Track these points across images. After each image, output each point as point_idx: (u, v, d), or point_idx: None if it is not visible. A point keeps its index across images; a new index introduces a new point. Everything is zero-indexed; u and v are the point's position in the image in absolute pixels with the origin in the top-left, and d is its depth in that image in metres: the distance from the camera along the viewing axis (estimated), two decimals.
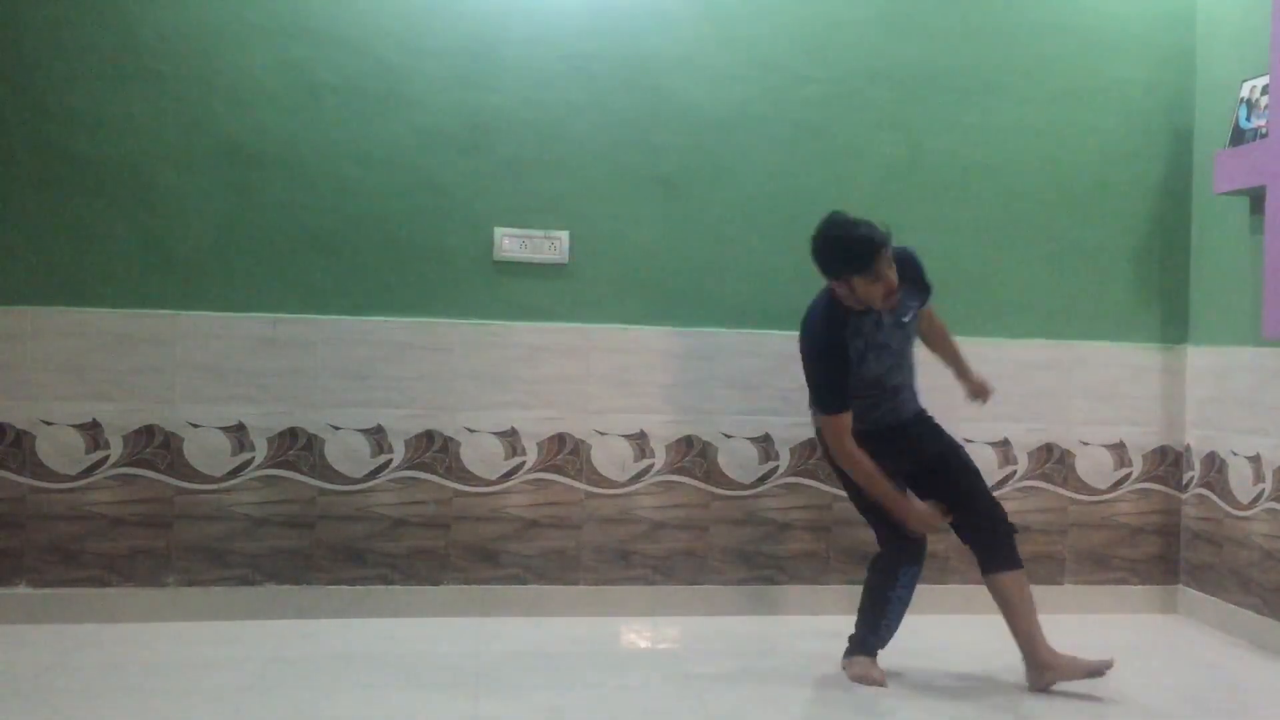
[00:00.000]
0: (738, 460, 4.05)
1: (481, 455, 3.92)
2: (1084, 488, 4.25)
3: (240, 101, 3.79)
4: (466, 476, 3.91)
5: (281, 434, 3.81)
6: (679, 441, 4.02)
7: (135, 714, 2.89)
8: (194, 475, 3.77)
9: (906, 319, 3.30)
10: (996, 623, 4.06)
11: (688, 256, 4.03)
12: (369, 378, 3.86)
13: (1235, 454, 3.99)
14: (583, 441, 3.96)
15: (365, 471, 3.86)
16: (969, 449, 4.14)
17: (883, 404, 3.32)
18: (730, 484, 4.05)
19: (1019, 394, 4.20)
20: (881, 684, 3.28)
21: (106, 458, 3.72)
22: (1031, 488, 4.22)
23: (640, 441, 4.00)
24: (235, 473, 3.79)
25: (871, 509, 3.36)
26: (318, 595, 3.82)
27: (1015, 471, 4.21)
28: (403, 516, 3.88)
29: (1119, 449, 4.26)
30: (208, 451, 3.77)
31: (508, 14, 3.92)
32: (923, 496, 3.35)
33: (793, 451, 4.07)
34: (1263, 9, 3.81)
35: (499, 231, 3.93)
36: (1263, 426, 3.85)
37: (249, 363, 3.79)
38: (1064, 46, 4.23)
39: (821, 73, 4.09)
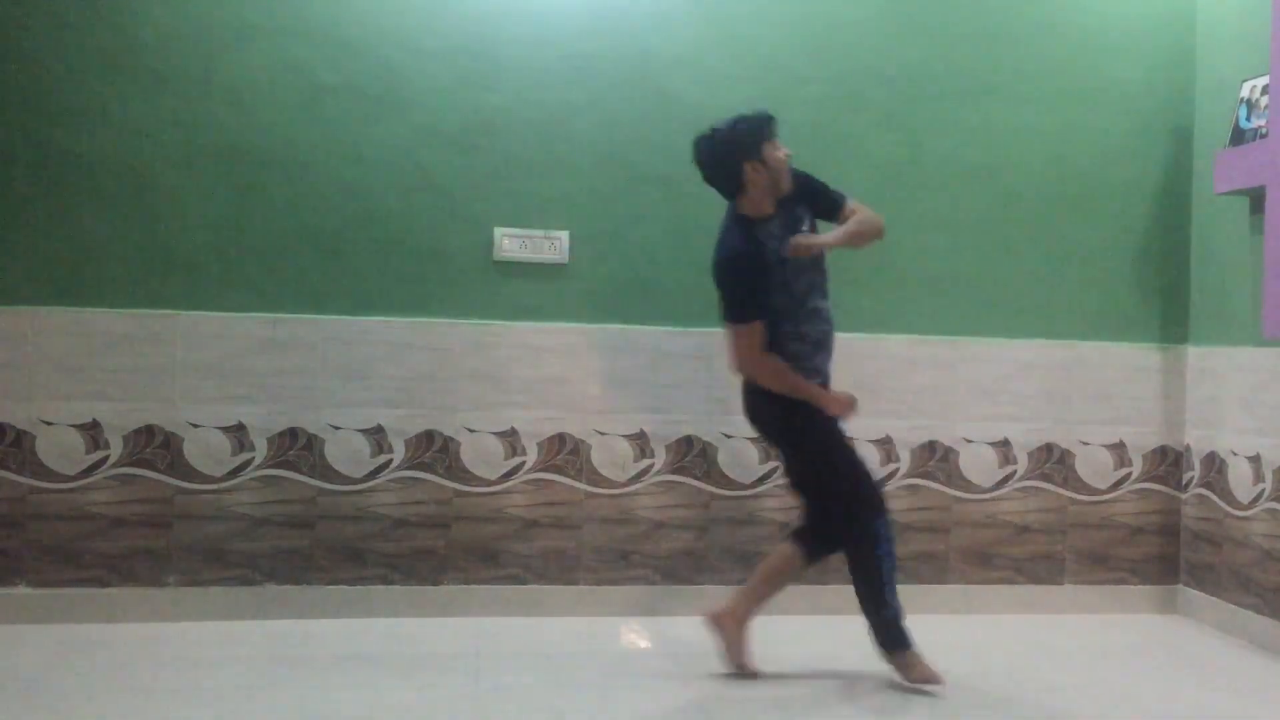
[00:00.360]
0: (738, 460, 4.05)
1: (481, 455, 3.92)
2: (1084, 488, 4.25)
3: (240, 101, 3.79)
4: (466, 476, 3.91)
5: (281, 434, 3.81)
6: (679, 441, 4.02)
7: (135, 714, 2.89)
8: (194, 475, 3.77)
9: (805, 227, 3.30)
10: (996, 622, 4.07)
11: (688, 256, 4.02)
12: (369, 378, 3.86)
13: (1235, 454, 3.99)
14: (583, 441, 3.96)
15: (365, 471, 3.86)
16: (969, 449, 4.18)
17: (810, 335, 3.25)
18: (730, 484, 4.05)
19: (1019, 394, 4.20)
20: (939, 680, 3.21)
21: (106, 458, 3.72)
22: (1031, 488, 4.22)
23: (640, 441, 4.00)
24: (235, 473, 3.79)
25: (809, 481, 3.34)
26: (318, 595, 3.82)
27: (1015, 471, 4.21)
28: (403, 516, 3.88)
29: (1119, 449, 4.26)
30: (208, 451, 3.77)
31: (508, 14, 3.92)
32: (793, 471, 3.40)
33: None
34: (1263, 9, 3.81)
35: (499, 231, 3.93)
36: (1263, 426, 3.85)
37: (249, 363, 3.79)
38: (1064, 47, 4.23)
39: (821, 73, 4.10)
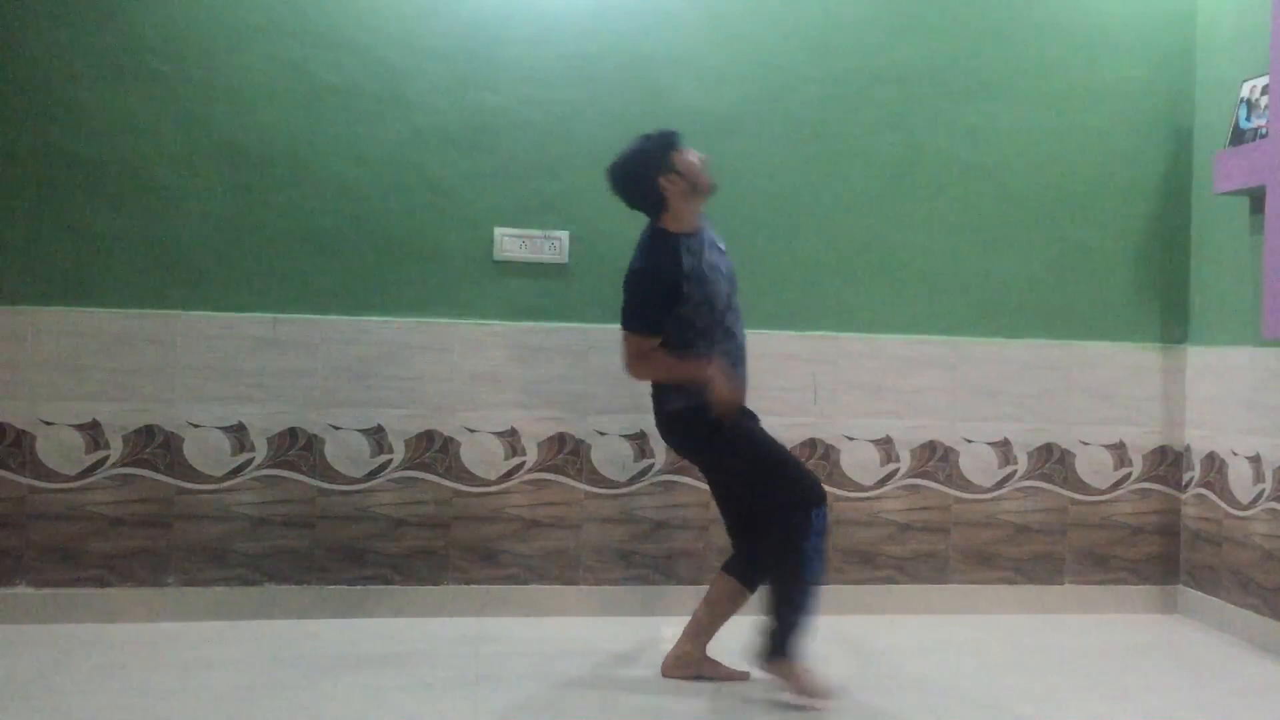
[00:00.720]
0: None
1: (481, 455, 3.92)
2: (1084, 488, 4.25)
3: (240, 101, 3.79)
4: (466, 476, 3.91)
5: (281, 434, 3.81)
6: None
7: (135, 714, 2.89)
8: (194, 475, 3.77)
9: (723, 246, 3.29)
10: (997, 623, 4.07)
11: None
12: (369, 378, 3.86)
13: (1235, 454, 3.99)
14: (582, 441, 3.96)
15: (365, 471, 3.86)
16: (969, 449, 4.18)
17: (730, 351, 3.20)
18: None
19: (1019, 394, 4.20)
20: (830, 696, 3.07)
21: (106, 458, 3.72)
22: (1031, 488, 4.22)
23: (640, 441, 4.00)
24: (235, 473, 3.79)
25: (738, 493, 3.27)
26: (318, 595, 3.82)
27: (1015, 471, 4.21)
28: (403, 516, 3.88)
29: (1119, 449, 4.26)
30: (208, 451, 3.77)
31: (508, 14, 3.92)
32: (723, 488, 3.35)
33: (793, 451, 4.06)
34: (1263, 9, 3.81)
35: (499, 231, 3.93)
36: (1263, 426, 3.85)
37: (249, 363, 3.79)
38: (1064, 46, 4.23)
39: (821, 73, 4.10)
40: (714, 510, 4.03)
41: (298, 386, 3.82)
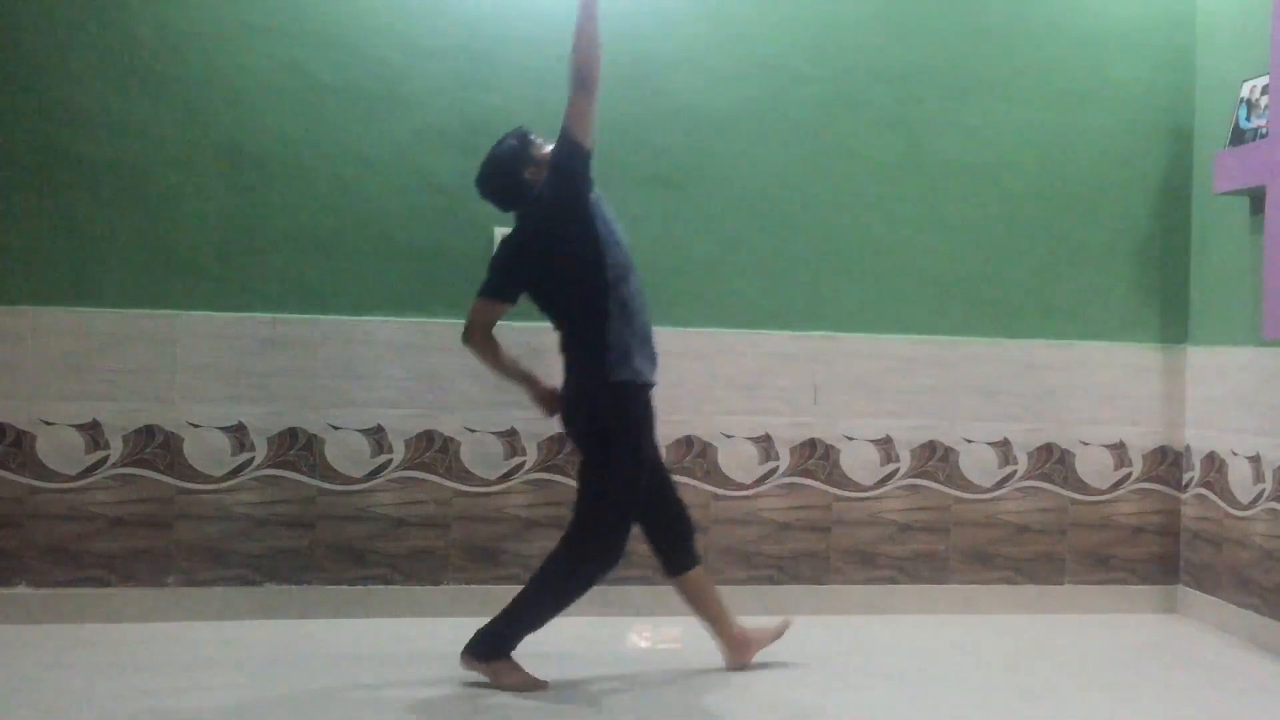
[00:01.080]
0: (738, 460, 4.05)
1: (481, 455, 3.92)
2: (1084, 488, 4.25)
3: (240, 101, 3.79)
4: (466, 476, 3.91)
5: (281, 434, 3.81)
6: (679, 441, 4.02)
7: (135, 714, 2.89)
8: (194, 475, 3.77)
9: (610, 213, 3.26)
10: (997, 622, 4.07)
11: (688, 256, 4.03)
12: (369, 378, 3.86)
13: (1235, 454, 3.99)
14: None
15: (365, 471, 3.86)
16: (969, 449, 4.18)
17: (640, 316, 3.20)
18: (730, 484, 4.05)
19: (1019, 394, 4.20)
20: (542, 686, 3.12)
21: (106, 458, 3.72)
22: (1031, 488, 4.22)
23: None
24: (235, 473, 3.79)
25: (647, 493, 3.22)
26: (318, 595, 3.82)
27: (1015, 471, 4.21)
28: (403, 516, 3.88)
29: (1119, 449, 4.26)
30: (208, 451, 3.77)
31: (508, 14, 3.93)
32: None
33: (793, 451, 4.07)
34: (1263, 9, 3.81)
35: (499, 231, 3.93)
36: (1263, 426, 3.85)
37: (249, 363, 3.79)
38: (1064, 46, 4.23)
39: (821, 73, 4.10)
40: (714, 511, 4.05)
41: (298, 386, 3.82)
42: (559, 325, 3.28)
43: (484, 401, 3.91)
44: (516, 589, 3.89)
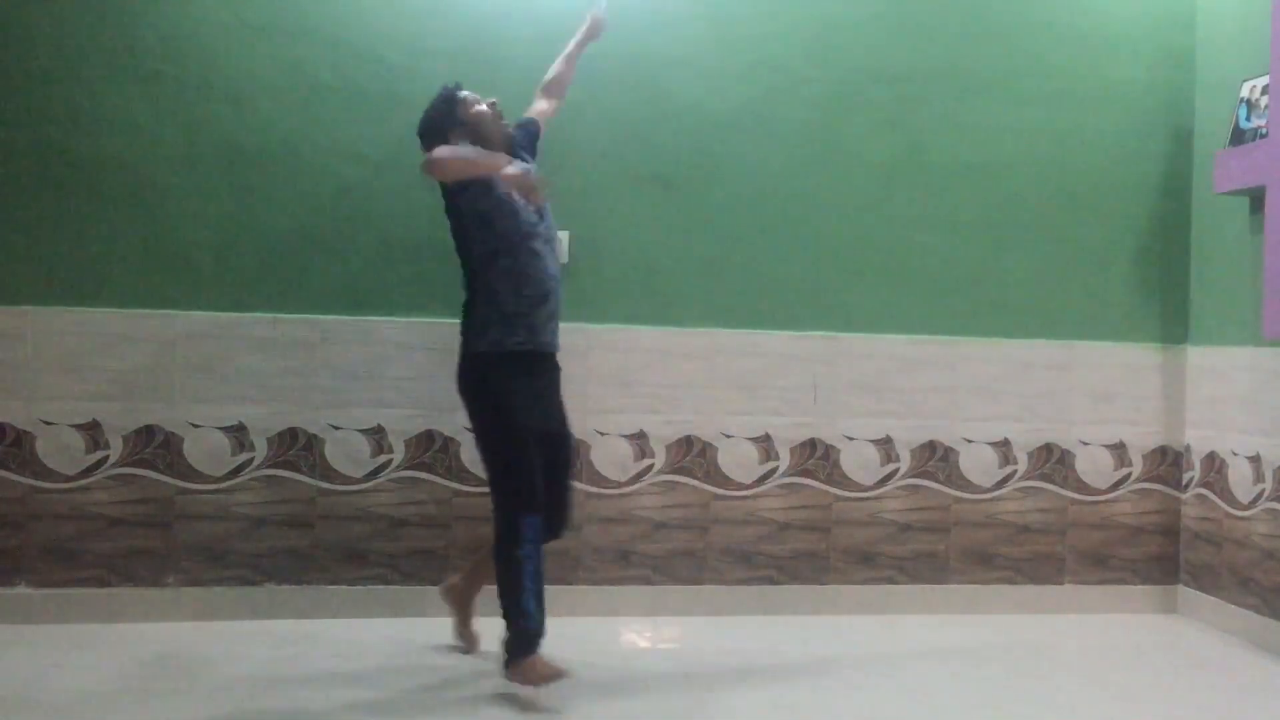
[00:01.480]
0: (738, 460, 4.05)
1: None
2: (1084, 488, 4.25)
3: (240, 101, 3.79)
4: (467, 477, 3.91)
5: (281, 434, 3.81)
6: (679, 441, 4.02)
7: (135, 714, 2.89)
8: (194, 475, 3.77)
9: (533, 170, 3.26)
10: (997, 622, 4.07)
11: (688, 256, 4.03)
12: (369, 378, 3.86)
13: (1235, 454, 3.99)
14: (583, 441, 3.96)
15: (365, 471, 3.86)
16: (969, 449, 4.18)
17: (517, 291, 3.18)
18: (730, 484, 4.05)
19: (1019, 394, 4.20)
20: (564, 674, 3.07)
21: (106, 458, 3.72)
22: (1031, 488, 4.22)
23: (640, 441, 4.00)
24: (235, 473, 3.79)
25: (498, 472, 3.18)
26: (318, 595, 3.82)
27: (1015, 471, 4.21)
28: (403, 516, 3.88)
29: (1119, 449, 4.26)
30: (208, 451, 3.77)
31: (508, 14, 3.93)
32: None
33: (793, 451, 4.07)
34: (1263, 9, 3.82)
35: None
36: (1263, 426, 3.85)
37: (249, 363, 3.79)
38: (1064, 46, 4.23)
39: (821, 73, 4.10)
40: (714, 510, 4.05)
41: (298, 386, 3.82)
42: None
43: None
44: None
